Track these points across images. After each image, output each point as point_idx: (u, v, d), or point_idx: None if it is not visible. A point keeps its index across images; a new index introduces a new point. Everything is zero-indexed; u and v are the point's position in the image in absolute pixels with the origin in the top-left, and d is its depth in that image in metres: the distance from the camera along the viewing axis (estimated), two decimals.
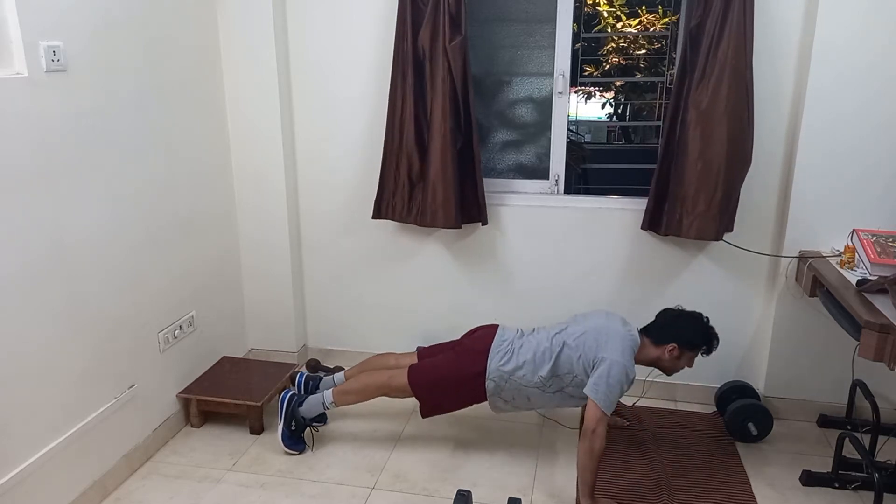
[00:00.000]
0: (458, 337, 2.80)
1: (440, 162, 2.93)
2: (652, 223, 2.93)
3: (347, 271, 3.40)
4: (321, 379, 2.94)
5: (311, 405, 2.72)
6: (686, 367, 2.58)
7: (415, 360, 2.78)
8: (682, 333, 2.51)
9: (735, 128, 2.68)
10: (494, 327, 2.71)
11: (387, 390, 2.66)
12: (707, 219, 2.78)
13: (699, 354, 2.55)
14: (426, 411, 2.65)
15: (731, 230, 2.87)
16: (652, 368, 2.60)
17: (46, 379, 2.20)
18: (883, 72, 2.61)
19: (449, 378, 2.61)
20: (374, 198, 3.11)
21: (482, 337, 2.67)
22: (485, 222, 3.08)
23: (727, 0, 2.58)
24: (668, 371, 2.58)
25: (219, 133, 3.12)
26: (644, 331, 2.58)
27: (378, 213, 3.12)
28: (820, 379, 2.96)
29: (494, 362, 2.55)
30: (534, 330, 2.67)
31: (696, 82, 2.69)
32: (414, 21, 2.86)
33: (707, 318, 2.56)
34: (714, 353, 2.69)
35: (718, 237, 2.82)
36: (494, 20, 3.12)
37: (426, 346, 2.94)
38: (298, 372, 3.01)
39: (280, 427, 2.72)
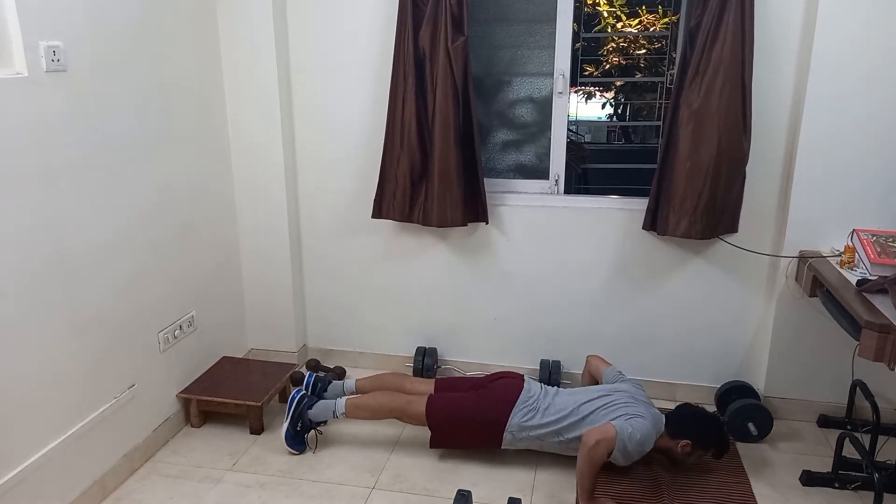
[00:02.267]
0: (480, 375, 2.86)
1: (445, 161, 2.93)
2: (654, 223, 2.93)
3: (347, 271, 3.40)
4: (330, 382, 2.93)
5: (320, 410, 2.73)
6: (689, 462, 2.61)
7: (431, 388, 2.80)
8: (697, 433, 2.54)
9: (728, 127, 2.67)
10: (521, 379, 2.73)
11: (401, 415, 2.68)
12: (694, 218, 2.77)
13: (708, 454, 2.57)
14: (436, 443, 2.68)
15: (736, 230, 2.87)
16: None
17: (46, 379, 2.20)
18: (883, 72, 2.61)
19: (467, 420, 2.63)
20: (374, 197, 3.11)
21: (509, 387, 2.68)
22: (486, 221, 3.08)
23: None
24: (676, 464, 2.61)
25: (219, 133, 3.12)
26: None
27: (378, 213, 3.12)
28: (820, 379, 2.96)
29: (517, 418, 2.57)
30: (557, 391, 2.69)
31: (689, 81, 2.69)
32: (414, 21, 2.86)
33: (724, 420, 2.63)
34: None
35: (706, 236, 2.82)
36: (495, 20, 3.12)
37: (444, 377, 2.98)
38: (302, 373, 3.01)
39: (285, 426, 2.72)
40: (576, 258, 3.13)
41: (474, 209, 3.06)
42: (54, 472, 2.24)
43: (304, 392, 2.78)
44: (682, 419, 2.58)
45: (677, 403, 3.15)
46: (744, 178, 2.80)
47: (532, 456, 2.72)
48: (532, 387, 2.68)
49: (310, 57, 3.14)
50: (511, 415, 2.58)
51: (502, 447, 2.63)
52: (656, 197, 2.89)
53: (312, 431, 2.77)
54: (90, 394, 2.40)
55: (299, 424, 2.71)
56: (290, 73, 3.17)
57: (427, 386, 2.81)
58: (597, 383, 2.82)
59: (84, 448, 2.37)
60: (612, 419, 2.46)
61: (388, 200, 3.09)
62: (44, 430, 2.21)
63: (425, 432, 2.67)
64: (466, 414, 2.63)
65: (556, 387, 2.75)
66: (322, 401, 2.76)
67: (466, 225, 3.06)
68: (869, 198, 2.72)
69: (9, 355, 2.05)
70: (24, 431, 2.13)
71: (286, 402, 2.80)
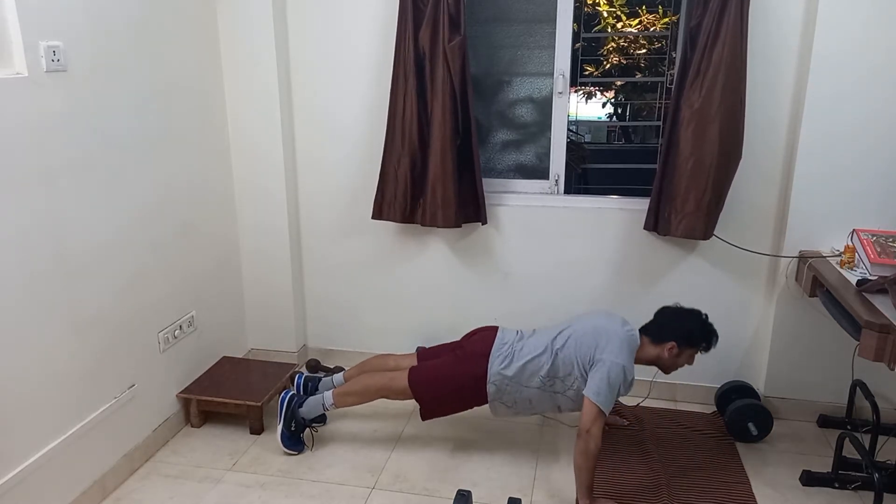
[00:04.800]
0: (458, 338, 2.80)
1: (441, 162, 2.93)
2: (655, 224, 2.93)
3: (347, 271, 3.40)
4: (320, 380, 2.93)
5: (310, 406, 2.72)
6: (686, 365, 2.58)
7: (415, 361, 2.78)
8: (680, 331, 2.51)
9: (728, 127, 2.68)
10: (494, 329, 2.71)
11: (387, 392, 2.66)
12: (696, 217, 2.77)
13: (699, 352, 2.55)
14: (426, 414, 2.65)
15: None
16: (656, 370, 2.60)
17: (47, 379, 2.20)
18: (883, 72, 2.61)
19: (450, 381, 2.61)
20: (374, 198, 3.11)
21: (482, 339, 2.66)
22: (484, 222, 3.08)
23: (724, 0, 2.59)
24: (668, 369, 2.58)
25: (219, 133, 3.12)
26: (643, 330, 2.58)
27: (379, 214, 3.12)
28: (820, 379, 2.96)
29: (495, 366, 2.55)
30: (534, 332, 2.67)
31: (691, 81, 2.70)
32: (415, 21, 2.86)
33: (706, 314, 2.56)
34: (714, 351, 2.68)
35: (707, 236, 2.82)
36: (494, 20, 3.12)
37: (426, 346, 2.94)
38: (298, 372, 3.01)
39: (279, 427, 2.72)
40: (576, 258, 3.13)
41: (472, 210, 3.06)
42: (54, 472, 2.24)
43: (293, 392, 2.78)
44: (663, 322, 2.56)
45: (677, 401, 3.16)
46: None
47: (532, 456, 2.72)
48: (506, 334, 2.66)
49: (310, 57, 3.14)
50: (489, 364, 2.55)
51: (490, 402, 2.58)
52: (658, 197, 2.89)
53: (308, 430, 2.76)
54: (90, 394, 2.40)
55: (293, 424, 2.71)
56: (290, 73, 3.17)
57: (410, 360, 2.80)
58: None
59: (84, 448, 2.37)
60: (581, 358, 2.44)
61: (388, 201, 3.09)
62: (44, 430, 2.21)
63: (426, 432, 2.68)
64: (447, 376, 2.61)
65: (533, 329, 2.72)
66: (311, 397, 2.76)
67: (460, 226, 3.05)
68: (869, 198, 2.72)
69: (9, 355, 2.05)
70: (24, 431, 2.13)
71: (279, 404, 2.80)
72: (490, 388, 2.55)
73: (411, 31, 2.86)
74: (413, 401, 2.64)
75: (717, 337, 2.54)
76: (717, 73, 2.63)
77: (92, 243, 2.35)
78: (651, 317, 2.61)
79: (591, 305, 3.16)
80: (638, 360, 2.52)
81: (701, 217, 2.77)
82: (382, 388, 2.66)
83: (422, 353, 2.83)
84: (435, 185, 2.96)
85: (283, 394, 2.75)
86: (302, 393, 2.85)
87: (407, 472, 2.65)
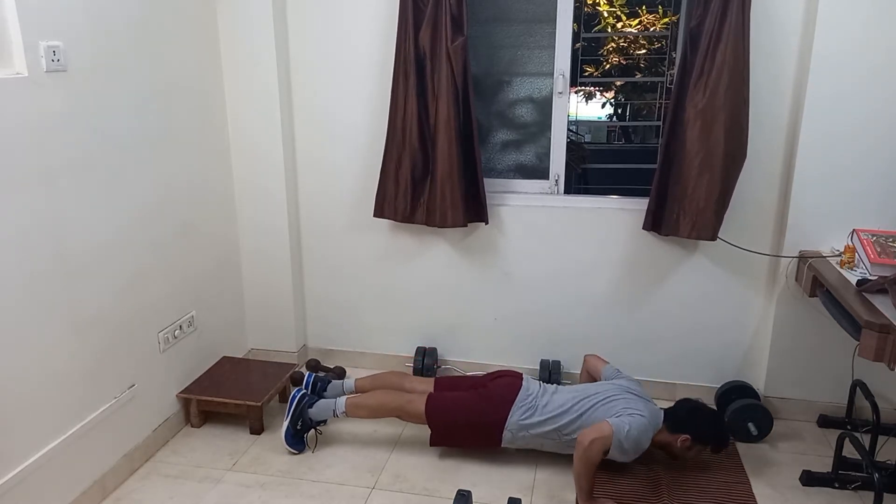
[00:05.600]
0: (480, 374, 2.86)
1: (447, 162, 2.93)
2: (654, 224, 2.93)
3: (347, 271, 3.40)
4: (329, 381, 2.93)
5: (321, 409, 2.73)
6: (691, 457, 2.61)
7: (431, 387, 2.80)
8: (698, 429, 2.53)
9: (733, 127, 2.68)
10: (520, 377, 2.73)
11: (401, 414, 2.68)
12: (705, 219, 2.77)
13: (706, 449, 2.57)
14: (436, 441, 2.68)
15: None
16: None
17: (46, 379, 2.20)
18: (883, 72, 2.61)
19: (468, 419, 2.63)
20: (375, 196, 3.11)
21: (507, 386, 2.68)
22: (486, 222, 3.08)
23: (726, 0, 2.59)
24: (675, 457, 2.61)
25: (219, 133, 3.12)
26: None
27: (380, 213, 3.12)
28: (820, 379, 2.96)
29: (516, 416, 2.58)
30: (556, 388, 2.69)
31: (694, 82, 2.70)
32: (415, 21, 2.86)
33: (726, 419, 2.62)
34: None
35: (715, 237, 2.82)
36: (495, 20, 3.12)
37: (444, 376, 2.98)
38: (302, 373, 3.01)
39: (286, 425, 2.72)
40: (576, 258, 3.13)
41: (475, 209, 3.06)
42: (54, 472, 2.24)
43: (304, 391, 2.78)
44: (682, 414, 2.58)
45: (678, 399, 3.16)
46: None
47: (532, 456, 2.72)
48: (531, 385, 2.68)
49: (310, 57, 3.14)
50: (510, 413, 2.58)
51: (502, 445, 2.63)
52: (659, 198, 2.89)
53: (312, 431, 2.77)
54: (90, 394, 2.40)
55: (299, 423, 2.72)
56: (290, 73, 3.17)
57: (426, 385, 2.82)
58: (595, 382, 2.82)
59: (84, 448, 2.37)
60: (609, 416, 2.46)
61: (389, 200, 3.09)
62: (44, 430, 2.21)
63: (425, 432, 2.67)
64: (466, 413, 2.63)
65: (555, 385, 2.75)
66: (322, 400, 2.77)
67: (467, 225, 3.06)
68: (869, 198, 2.72)
69: (9, 355, 2.05)
70: (24, 431, 2.13)
71: (286, 402, 2.81)
72: (506, 435, 2.59)
73: (412, 31, 2.86)
74: (423, 425, 2.67)
75: (728, 443, 2.58)
76: (720, 73, 2.63)
77: (92, 243, 2.35)
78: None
79: (591, 305, 3.17)
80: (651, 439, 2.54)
81: (710, 218, 2.77)
82: (397, 409, 2.68)
83: (440, 382, 2.85)
84: (443, 186, 2.96)
85: (293, 392, 2.75)
86: (311, 392, 2.85)
87: (407, 472, 2.65)
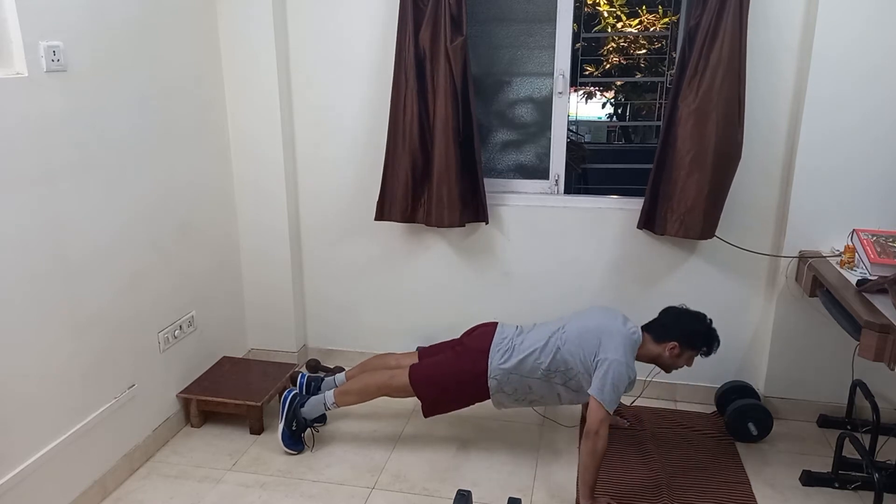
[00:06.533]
0: (459, 336, 2.81)
1: (445, 162, 2.93)
2: (647, 222, 2.93)
3: (347, 271, 3.40)
4: (322, 380, 2.94)
5: (312, 406, 2.73)
6: (685, 366, 2.58)
7: (415, 360, 2.78)
8: (684, 332, 2.51)
9: (726, 126, 2.68)
10: (494, 325, 2.71)
11: (388, 390, 2.66)
12: (693, 217, 2.77)
13: (699, 354, 2.55)
14: (428, 410, 2.66)
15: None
16: (653, 368, 2.60)
17: (46, 379, 2.20)
18: (883, 72, 2.61)
19: (451, 377, 2.61)
20: (377, 199, 3.11)
21: (482, 335, 2.67)
22: (486, 222, 3.08)
23: None
24: (668, 369, 2.58)
25: (219, 133, 3.12)
26: (646, 328, 2.58)
27: (381, 215, 3.12)
28: (820, 379, 2.96)
29: (495, 361, 2.55)
30: (533, 326, 2.68)
31: (688, 80, 2.69)
32: (415, 21, 2.86)
33: (710, 319, 2.56)
34: (714, 353, 2.68)
35: (704, 236, 2.82)
36: (494, 20, 3.12)
37: (426, 345, 2.94)
38: (299, 372, 3.01)
39: (281, 427, 2.72)
40: (576, 258, 3.13)
41: (474, 209, 3.06)
42: (54, 472, 2.24)
43: (296, 391, 2.78)
44: (666, 321, 2.56)
45: (677, 401, 3.16)
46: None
47: (532, 456, 2.72)
48: (505, 329, 2.67)
49: (310, 57, 3.14)
50: (489, 360, 2.55)
51: (491, 396, 2.59)
52: (652, 196, 2.89)
53: (309, 430, 2.77)
54: (90, 394, 2.40)
55: (294, 423, 2.72)
56: (290, 73, 3.17)
57: (410, 358, 2.80)
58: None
59: (84, 448, 2.37)
60: (586, 354, 2.43)
61: (389, 202, 3.09)
62: (44, 430, 2.21)
63: (425, 432, 2.68)
64: (448, 373, 2.62)
65: (533, 323, 2.72)
66: (313, 397, 2.76)
67: (464, 225, 3.06)
68: (869, 198, 2.72)
69: (9, 355, 2.05)
70: (24, 431, 2.13)
71: (281, 403, 2.80)
72: (491, 383, 2.56)
73: (412, 31, 2.86)
74: (413, 399, 2.64)
75: (718, 342, 2.54)
76: (714, 72, 2.63)
77: (92, 243, 2.35)
78: (651, 317, 2.61)
79: (590, 305, 3.16)
80: (638, 358, 2.52)
81: (697, 217, 2.77)
82: (383, 386, 2.66)
83: (422, 351, 2.84)
84: (440, 186, 2.96)
85: (285, 393, 2.75)
86: (304, 393, 2.85)
87: (407, 472, 2.65)
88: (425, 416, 2.66)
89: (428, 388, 2.62)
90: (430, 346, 2.89)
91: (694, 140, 2.70)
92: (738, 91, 2.66)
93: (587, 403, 2.42)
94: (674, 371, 2.59)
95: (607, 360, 2.40)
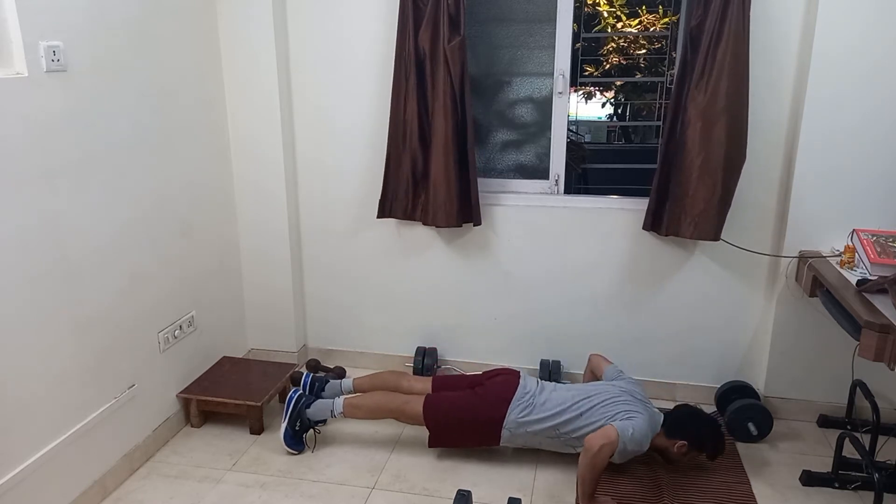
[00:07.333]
0: (476, 373, 2.84)
1: (442, 162, 2.93)
2: (654, 224, 2.93)
3: (347, 271, 3.40)
4: (328, 381, 2.93)
5: (318, 409, 2.73)
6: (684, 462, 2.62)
7: (429, 386, 2.80)
8: (697, 435, 2.54)
9: (733, 127, 2.68)
10: (517, 375, 2.73)
11: (398, 415, 2.68)
12: (706, 219, 2.77)
13: (702, 455, 2.58)
14: (434, 442, 2.68)
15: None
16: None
17: (46, 379, 2.20)
18: (883, 72, 2.60)
19: (465, 419, 2.63)
20: (379, 198, 3.11)
21: (505, 384, 2.68)
22: (477, 223, 3.07)
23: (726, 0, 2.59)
24: (670, 462, 2.61)
25: (219, 133, 3.12)
26: None
27: (382, 213, 3.13)
28: (820, 379, 2.96)
29: (514, 414, 2.58)
30: (555, 386, 2.69)
31: (696, 82, 2.69)
32: (415, 21, 2.86)
33: (722, 425, 2.61)
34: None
35: (717, 237, 2.82)
36: (494, 20, 3.12)
37: (441, 375, 2.97)
38: (301, 372, 3.01)
39: (284, 426, 2.72)
40: (576, 258, 3.13)
41: (468, 210, 3.06)
42: (54, 472, 2.24)
43: (301, 392, 2.78)
44: (680, 420, 2.58)
45: (677, 403, 3.16)
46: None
47: (532, 456, 2.72)
48: (528, 383, 2.68)
49: (310, 57, 3.14)
50: (508, 412, 2.58)
51: (500, 444, 2.63)
52: (659, 198, 2.88)
53: (311, 431, 2.77)
54: (90, 394, 2.40)
55: (298, 424, 2.72)
56: (290, 74, 3.17)
57: (424, 385, 2.81)
58: (596, 382, 2.82)
59: (84, 448, 2.37)
60: (610, 417, 2.46)
61: (390, 200, 3.10)
62: (44, 430, 2.21)
63: (425, 432, 2.67)
64: (463, 412, 2.63)
65: (553, 383, 2.75)
66: (320, 400, 2.76)
67: (461, 225, 3.06)
68: (869, 198, 2.72)
69: (9, 355, 2.05)
70: (24, 431, 2.12)
71: (285, 403, 2.81)
72: (504, 433, 2.59)
73: (412, 31, 2.86)
74: (421, 426, 2.67)
75: (723, 451, 2.58)
76: (721, 73, 2.63)
77: (92, 243, 2.35)
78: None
79: (590, 305, 3.17)
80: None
81: (712, 218, 2.77)
82: (395, 410, 2.68)
83: (437, 381, 2.84)
84: (437, 186, 2.96)
85: (291, 392, 2.75)
86: (308, 393, 2.85)
87: (407, 472, 2.65)
88: (430, 446, 2.68)
89: (440, 423, 2.64)
90: (446, 377, 2.91)
91: (704, 142, 2.70)
92: (744, 93, 2.66)
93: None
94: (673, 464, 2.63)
95: (638, 414, 2.46)
